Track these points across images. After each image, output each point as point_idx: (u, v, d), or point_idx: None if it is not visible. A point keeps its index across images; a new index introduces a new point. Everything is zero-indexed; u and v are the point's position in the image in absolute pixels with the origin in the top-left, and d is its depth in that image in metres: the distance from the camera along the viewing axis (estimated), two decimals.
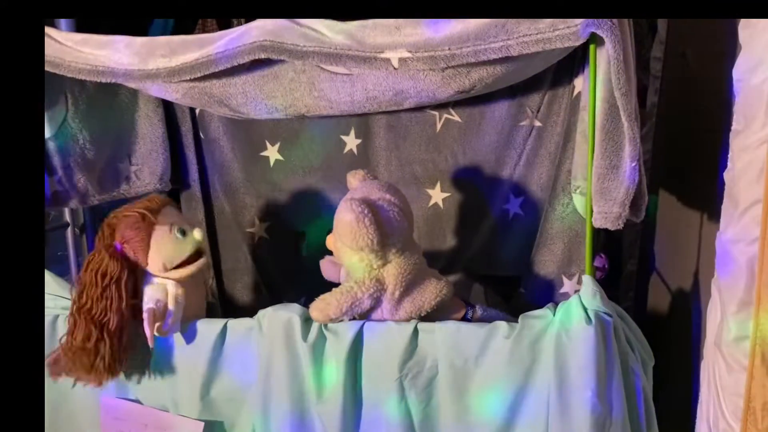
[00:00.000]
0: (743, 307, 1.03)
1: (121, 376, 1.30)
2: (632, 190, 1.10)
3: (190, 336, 1.29)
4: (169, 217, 1.31)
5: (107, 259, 1.24)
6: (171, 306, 1.26)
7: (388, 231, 1.22)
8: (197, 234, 1.32)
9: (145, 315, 1.22)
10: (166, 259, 1.28)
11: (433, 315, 1.26)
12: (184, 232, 1.31)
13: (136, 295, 1.28)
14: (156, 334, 1.23)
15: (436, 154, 1.56)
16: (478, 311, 1.34)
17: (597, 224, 1.15)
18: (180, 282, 1.29)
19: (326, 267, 1.40)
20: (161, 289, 1.27)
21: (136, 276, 1.28)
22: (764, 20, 0.96)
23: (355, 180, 1.33)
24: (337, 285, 1.30)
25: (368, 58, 1.09)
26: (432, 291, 1.26)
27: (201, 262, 1.33)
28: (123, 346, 1.24)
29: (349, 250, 1.23)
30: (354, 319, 1.25)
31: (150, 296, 1.26)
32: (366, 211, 1.19)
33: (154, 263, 1.28)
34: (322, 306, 1.22)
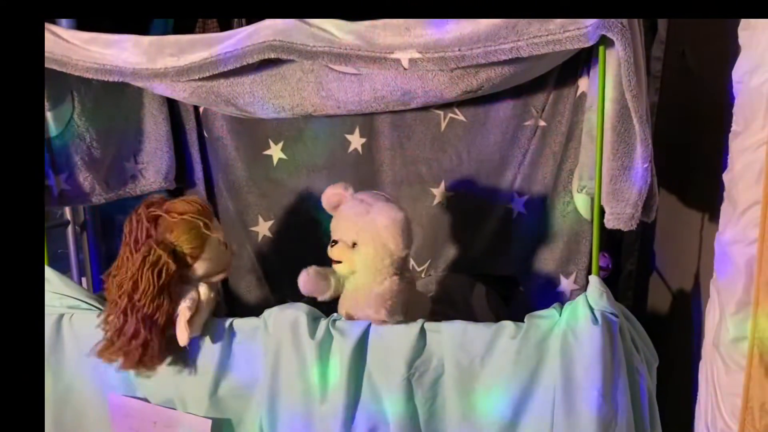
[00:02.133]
0: (741, 308, 1.04)
1: (130, 374, 1.30)
2: (645, 192, 1.10)
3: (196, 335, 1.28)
4: (216, 229, 1.34)
5: (164, 257, 1.23)
6: (203, 308, 1.27)
7: None
8: (233, 249, 1.36)
9: (179, 314, 1.23)
10: (211, 269, 1.31)
11: None
12: (226, 246, 1.34)
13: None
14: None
15: (441, 153, 1.56)
16: None
17: (609, 225, 1.15)
18: (211, 286, 1.31)
19: (311, 280, 1.30)
20: (194, 291, 1.28)
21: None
22: (764, 22, 0.97)
23: (343, 192, 1.31)
24: (315, 300, 1.31)
25: (378, 58, 1.09)
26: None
27: (228, 271, 1.37)
28: (167, 342, 1.25)
29: (380, 254, 1.25)
30: None
31: (185, 297, 1.27)
32: None
33: (202, 269, 1.29)
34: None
